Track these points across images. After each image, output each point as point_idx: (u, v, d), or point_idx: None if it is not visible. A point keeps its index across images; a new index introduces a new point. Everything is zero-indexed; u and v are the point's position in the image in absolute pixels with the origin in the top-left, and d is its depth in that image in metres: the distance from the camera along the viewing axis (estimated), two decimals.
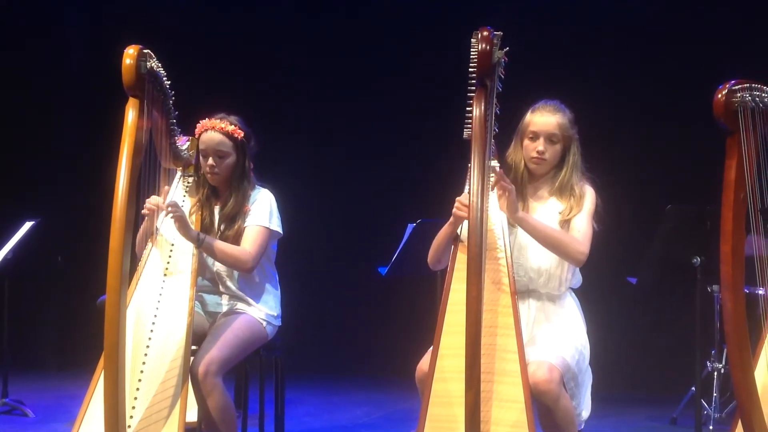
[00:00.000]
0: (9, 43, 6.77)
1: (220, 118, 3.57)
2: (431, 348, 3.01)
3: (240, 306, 3.58)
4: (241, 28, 6.85)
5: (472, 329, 2.69)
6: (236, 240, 3.53)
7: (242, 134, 3.57)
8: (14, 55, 6.76)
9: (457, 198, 3.07)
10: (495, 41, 2.88)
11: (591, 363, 3.22)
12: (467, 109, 2.87)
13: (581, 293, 3.35)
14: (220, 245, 3.47)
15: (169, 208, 3.36)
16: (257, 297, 3.61)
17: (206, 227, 3.58)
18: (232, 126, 3.55)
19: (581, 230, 3.17)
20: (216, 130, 3.54)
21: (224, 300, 3.61)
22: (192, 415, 3.43)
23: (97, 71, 5.57)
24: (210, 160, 3.55)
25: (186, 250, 3.49)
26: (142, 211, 3.41)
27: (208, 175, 3.59)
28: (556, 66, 5.95)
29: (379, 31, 6.65)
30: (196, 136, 3.60)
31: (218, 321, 3.53)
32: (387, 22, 6.66)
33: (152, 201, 3.46)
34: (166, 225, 3.50)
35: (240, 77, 6.59)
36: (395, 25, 6.63)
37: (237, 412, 3.48)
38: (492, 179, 3.04)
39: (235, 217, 3.57)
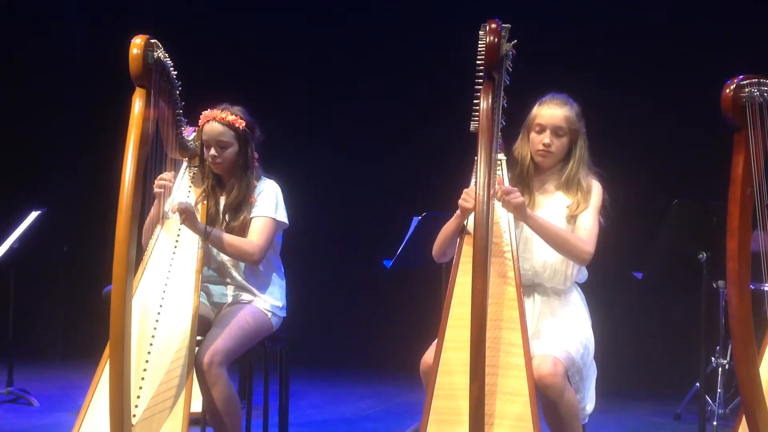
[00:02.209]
0: (11, 35, 6.78)
1: (222, 109, 3.56)
2: (436, 341, 3.00)
3: (245, 297, 3.58)
4: (243, 28, 6.84)
5: (477, 322, 2.68)
6: (242, 231, 3.53)
7: (244, 124, 3.56)
8: (21, 44, 6.77)
9: (465, 190, 3.07)
10: (503, 34, 2.86)
11: (596, 357, 3.22)
12: (474, 102, 2.86)
13: (586, 287, 3.35)
14: (227, 238, 3.47)
15: (178, 206, 3.37)
16: (263, 288, 3.61)
17: (211, 217, 3.59)
18: (233, 116, 3.55)
19: (587, 228, 3.16)
20: (217, 121, 3.54)
21: (229, 290, 3.61)
22: (196, 406, 3.43)
23: (104, 61, 5.57)
24: (212, 151, 3.55)
25: (192, 240, 3.49)
26: (154, 189, 3.42)
27: (212, 165, 3.59)
28: (562, 61, 5.94)
29: (386, 19, 6.64)
30: (200, 127, 3.60)
31: (223, 311, 3.53)
32: (392, 15, 6.66)
33: (165, 177, 3.46)
34: (172, 216, 3.50)
35: (246, 76, 6.58)
36: (409, 14, 6.63)
37: (241, 403, 3.49)
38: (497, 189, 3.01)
39: (239, 207, 3.57)
